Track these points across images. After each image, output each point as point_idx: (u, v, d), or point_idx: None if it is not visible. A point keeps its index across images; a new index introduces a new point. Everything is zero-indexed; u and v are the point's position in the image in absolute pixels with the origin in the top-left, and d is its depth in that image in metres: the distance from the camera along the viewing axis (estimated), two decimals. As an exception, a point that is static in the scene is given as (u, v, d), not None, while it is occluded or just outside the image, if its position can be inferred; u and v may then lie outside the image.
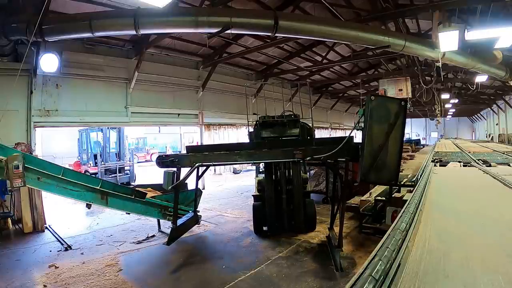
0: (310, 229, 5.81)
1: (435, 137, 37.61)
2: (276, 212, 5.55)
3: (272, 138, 5.74)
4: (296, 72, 13.42)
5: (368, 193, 6.58)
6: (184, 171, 4.66)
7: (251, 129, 6.40)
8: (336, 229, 4.71)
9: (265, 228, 5.83)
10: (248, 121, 6.37)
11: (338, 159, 4.34)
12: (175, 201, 4.93)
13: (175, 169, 4.71)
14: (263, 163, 5.84)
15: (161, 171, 4.95)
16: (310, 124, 5.91)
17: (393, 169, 3.65)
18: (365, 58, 12.44)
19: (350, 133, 4.00)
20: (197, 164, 4.49)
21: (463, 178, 4.37)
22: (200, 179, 5.67)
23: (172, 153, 16.91)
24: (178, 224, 5.01)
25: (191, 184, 5.93)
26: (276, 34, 6.07)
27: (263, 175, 5.88)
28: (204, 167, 5.11)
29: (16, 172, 4.43)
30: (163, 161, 4.76)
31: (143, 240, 5.79)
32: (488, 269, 1.38)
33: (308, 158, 4.27)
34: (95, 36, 5.66)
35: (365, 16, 7.43)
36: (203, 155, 4.59)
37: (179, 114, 10.81)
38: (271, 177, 5.60)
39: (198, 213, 6.36)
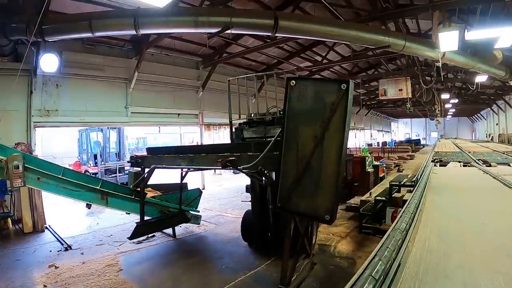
0: (301, 252, 4.20)
1: (435, 137, 37.72)
2: (260, 226, 4.84)
3: (254, 139, 4.83)
4: (296, 72, 13.41)
5: (368, 193, 6.61)
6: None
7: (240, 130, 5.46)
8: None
9: None
10: (230, 120, 5.22)
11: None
12: (141, 199, 5.11)
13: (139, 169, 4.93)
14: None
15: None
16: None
17: (328, 194, 2.34)
18: (365, 58, 12.43)
19: (277, 136, 2.84)
20: (152, 166, 4.56)
21: (463, 178, 4.37)
22: (201, 179, 5.67)
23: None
24: (144, 221, 5.19)
25: (191, 184, 5.93)
26: (276, 34, 6.08)
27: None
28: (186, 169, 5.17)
29: (16, 172, 4.44)
30: (131, 161, 5.09)
31: (143, 240, 5.77)
32: (488, 269, 1.38)
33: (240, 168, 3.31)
34: (95, 36, 5.67)
35: (365, 16, 7.43)
36: (158, 158, 4.64)
37: (179, 114, 10.82)
38: (257, 184, 4.79)
39: (198, 213, 6.38)
